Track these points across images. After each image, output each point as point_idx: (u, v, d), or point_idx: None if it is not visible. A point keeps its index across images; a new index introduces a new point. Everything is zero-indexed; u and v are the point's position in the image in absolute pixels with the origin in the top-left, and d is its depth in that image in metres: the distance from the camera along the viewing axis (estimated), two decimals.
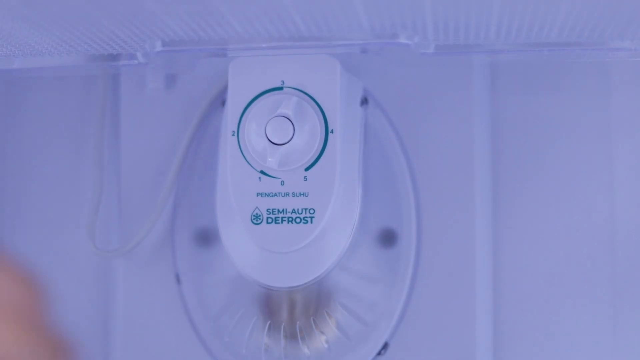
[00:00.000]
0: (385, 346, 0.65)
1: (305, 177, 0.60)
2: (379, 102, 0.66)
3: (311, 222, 0.60)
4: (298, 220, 0.60)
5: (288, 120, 0.59)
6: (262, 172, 0.60)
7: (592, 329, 0.68)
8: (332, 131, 0.60)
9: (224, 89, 0.65)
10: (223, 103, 0.66)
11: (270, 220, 0.60)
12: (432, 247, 0.65)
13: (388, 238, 0.65)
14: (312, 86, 0.60)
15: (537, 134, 0.69)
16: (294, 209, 0.60)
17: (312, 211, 0.60)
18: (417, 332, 0.65)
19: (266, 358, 0.64)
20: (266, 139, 0.59)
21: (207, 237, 0.67)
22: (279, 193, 0.60)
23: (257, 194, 0.61)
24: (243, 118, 0.61)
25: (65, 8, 0.52)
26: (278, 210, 0.60)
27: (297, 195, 0.60)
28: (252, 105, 0.61)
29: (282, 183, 0.60)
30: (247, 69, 0.61)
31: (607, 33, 0.55)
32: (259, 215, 0.61)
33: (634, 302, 0.68)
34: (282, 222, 0.60)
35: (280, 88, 0.61)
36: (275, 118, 0.59)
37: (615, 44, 0.57)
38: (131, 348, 0.70)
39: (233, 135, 0.61)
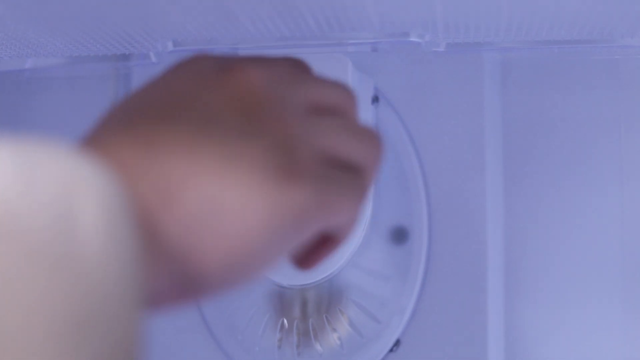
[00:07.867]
0: (397, 343, 0.65)
1: None
2: (390, 100, 0.66)
3: None
4: None
5: None
6: None
7: (603, 324, 0.68)
8: None
9: None
10: None
11: None
12: (444, 244, 0.66)
13: (399, 235, 0.65)
14: None
15: (547, 131, 0.69)
16: None
17: None
18: (429, 329, 0.65)
19: (279, 355, 0.65)
20: None
21: None
22: None
23: None
24: None
25: (77, 8, 0.52)
26: None
27: None
28: None
29: None
30: None
31: (617, 30, 0.55)
32: None
33: None
34: None
35: None
36: None
37: (625, 42, 0.57)
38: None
39: None
